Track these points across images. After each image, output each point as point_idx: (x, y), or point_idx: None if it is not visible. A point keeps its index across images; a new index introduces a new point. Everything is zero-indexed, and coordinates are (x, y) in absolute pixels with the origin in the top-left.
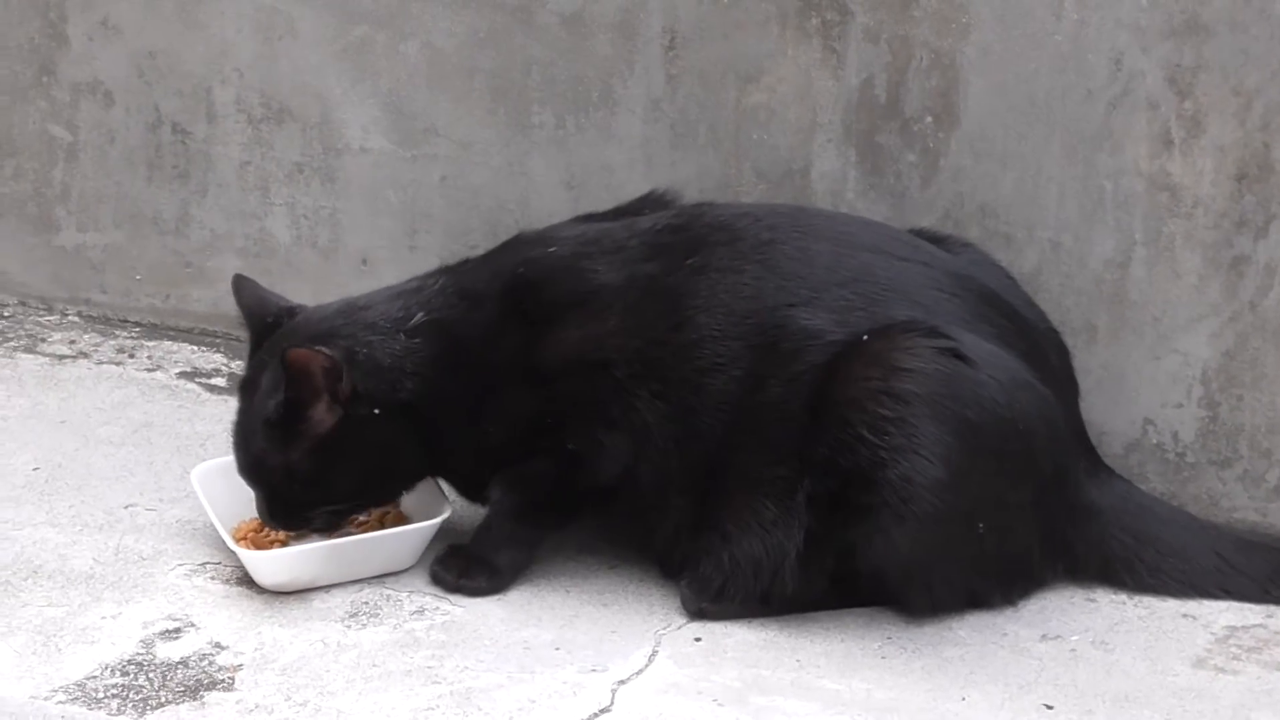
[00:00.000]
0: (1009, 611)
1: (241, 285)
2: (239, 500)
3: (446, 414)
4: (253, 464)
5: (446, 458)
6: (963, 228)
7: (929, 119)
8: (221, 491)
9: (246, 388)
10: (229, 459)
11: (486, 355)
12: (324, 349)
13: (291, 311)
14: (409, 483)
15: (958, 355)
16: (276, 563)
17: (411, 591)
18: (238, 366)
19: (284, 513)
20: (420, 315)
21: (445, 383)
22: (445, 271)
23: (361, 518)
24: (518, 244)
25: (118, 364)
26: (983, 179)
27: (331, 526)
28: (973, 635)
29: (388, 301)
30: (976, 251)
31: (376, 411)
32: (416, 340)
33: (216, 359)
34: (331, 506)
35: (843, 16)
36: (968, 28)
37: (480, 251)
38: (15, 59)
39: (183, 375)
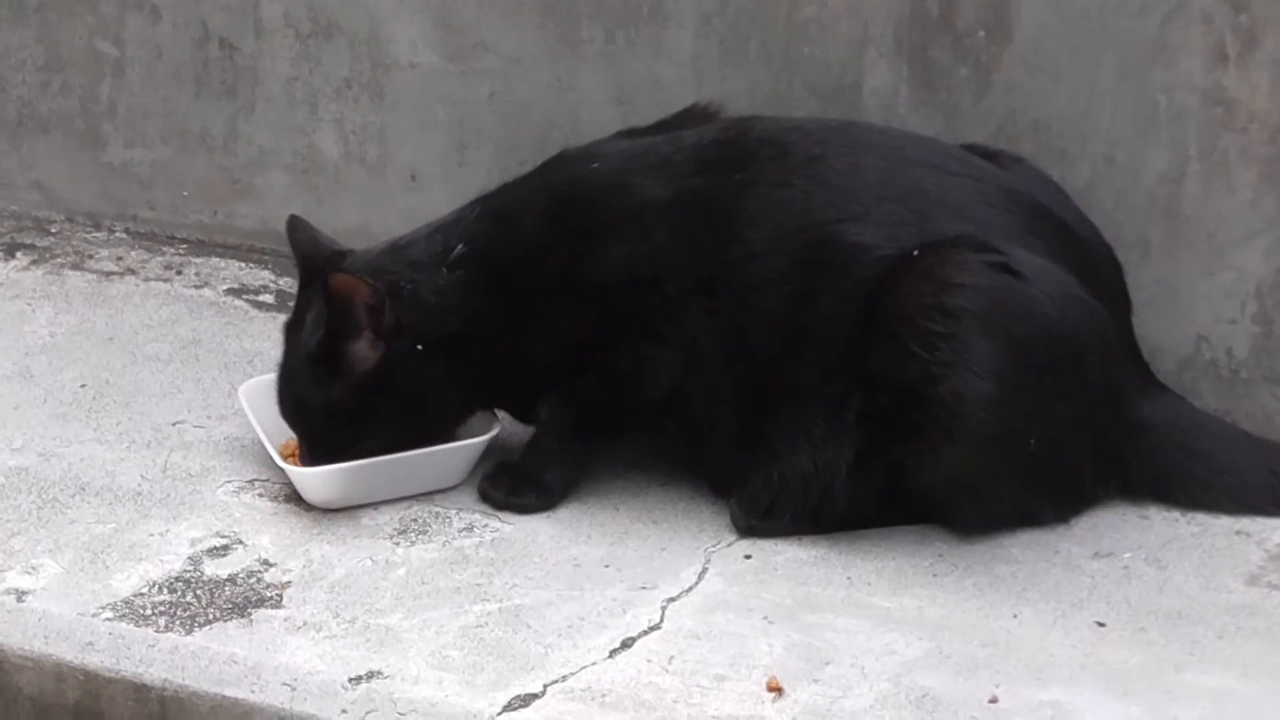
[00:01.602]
0: (1061, 529)
1: (296, 227)
2: None
3: (493, 341)
4: (295, 403)
5: (496, 384)
6: (1015, 143)
7: (982, 33)
8: (269, 408)
9: (290, 330)
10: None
11: (531, 276)
12: (367, 278)
13: (341, 255)
14: (455, 421)
15: (1009, 270)
16: (325, 479)
17: (460, 509)
18: (286, 283)
19: (327, 455)
20: (460, 247)
21: (490, 309)
22: (483, 199)
23: None
24: (560, 162)
25: (165, 281)
26: (1036, 94)
27: None
28: (1025, 552)
29: (428, 238)
30: (1028, 166)
31: (420, 348)
32: (458, 273)
33: (264, 276)
34: (375, 448)
35: None
36: None
37: (528, 168)
38: None
39: (230, 292)
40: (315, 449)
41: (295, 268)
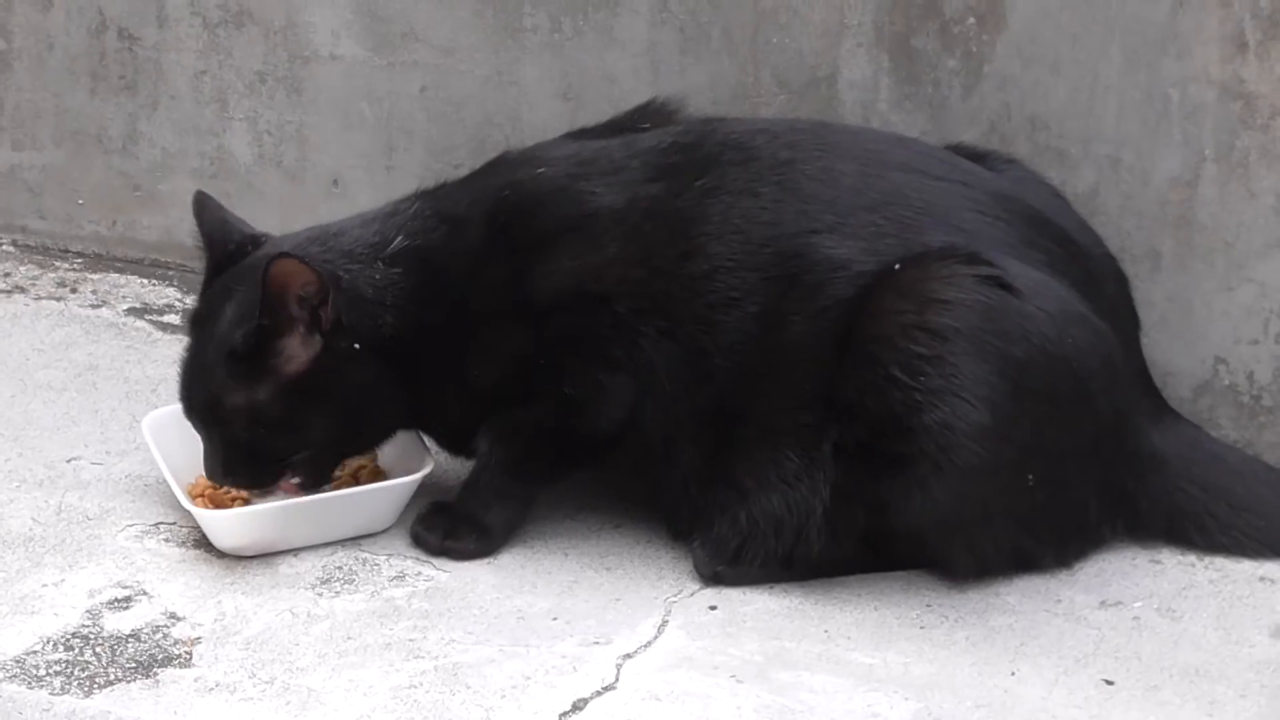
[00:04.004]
0: (1063, 574)
1: (204, 205)
2: (195, 452)
3: (428, 355)
4: (208, 405)
5: (428, 407)
6: (1009, 142)
7: (972, 20)
8: (176, 442)
9: (200, 321)
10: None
11: (469, 290)
12: (313, 265)
13: (256, 240)
14: (386, 434)
15: (1002, 285)
16: (237, 523)
17: (390, 555)
18: (192, 301)
19: (244, 466)
20: (399, 240)
21: (426, 319)
22: (421, 195)
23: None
24: (502, 165)
25: (58, 299)
26: (1032, 87)
27: (308, 485)
28: (1023, 602)
29: (362, 227)
30: (1022, 169)
31: (357, 347)
32: (396, 270)
33: (169, 293)
34: (300, 458)
35: None
36: None
37: (464, 172)
38: None
39: (131, 312)
40: (232, 460)
41: (203, 251)
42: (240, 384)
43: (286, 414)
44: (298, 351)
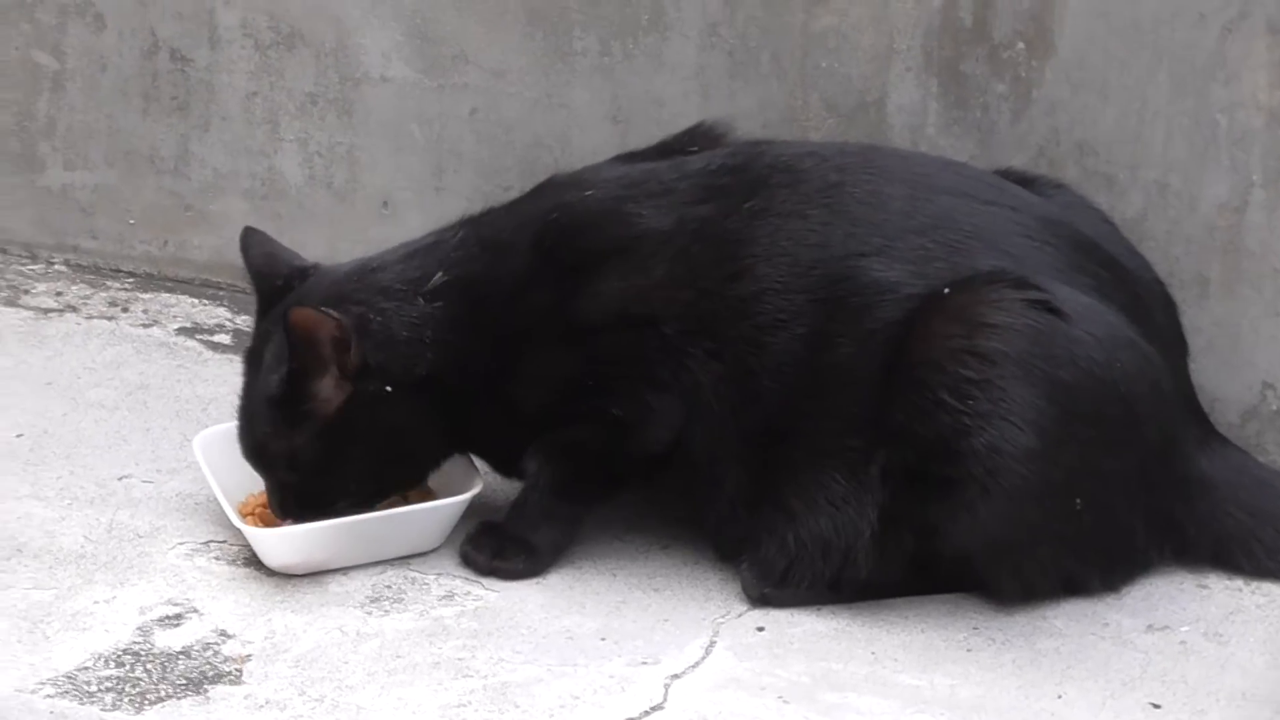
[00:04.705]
0: (1110, 598)
1: (251, 240)
2: (246, 471)
3: (474, 383)
4: (257, 449)
5: (476, 431)
6: (1058, 167)
7: (1020, 45)
8: (226, 461)
9: (252, 360)
10: (234, 425)
11: (515, 313)
12: (332, 313)
13: (304, 272)
14: (432, 465)
15: (1050, 309)
16: (288, 542)
17: (439, 574)
18: (243, 321)
19: (296, 505)
20: (439, 275)
21: (470, 348)
22: (466, 223)
23: None
24: (550, 188)
25: (110, 318)
26: (1081, 113)
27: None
28: (1070, 625)
29: (403, 261)
30: (1071, 194)
31: (389, 389)
32: (437, 305)
33: (220, 313)
34: (345, 498)
35: None
36: None
37: (514, 194)
38: None
39: (182, 331)
40: (284, 500)
41: (252, 287)
42: (280, 428)
43: (324, 456)
44: (331, 394)
